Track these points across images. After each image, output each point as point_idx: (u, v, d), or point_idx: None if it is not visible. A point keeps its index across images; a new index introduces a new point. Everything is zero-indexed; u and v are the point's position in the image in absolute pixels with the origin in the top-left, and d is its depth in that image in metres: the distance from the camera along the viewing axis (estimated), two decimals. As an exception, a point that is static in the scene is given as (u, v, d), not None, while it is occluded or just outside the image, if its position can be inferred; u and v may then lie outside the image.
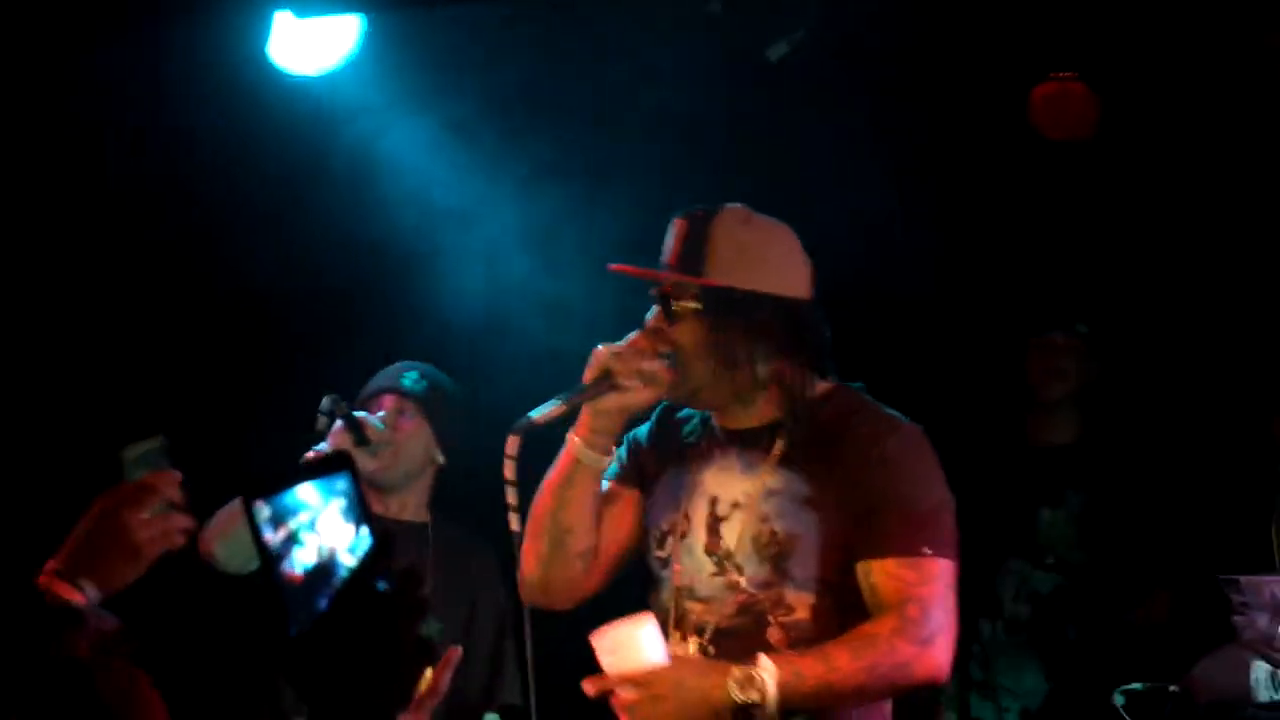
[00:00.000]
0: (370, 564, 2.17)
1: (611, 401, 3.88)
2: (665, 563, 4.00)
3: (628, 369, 3.85)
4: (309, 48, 6.04)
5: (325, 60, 6.08)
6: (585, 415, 3.94)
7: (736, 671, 3.62)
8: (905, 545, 3.75)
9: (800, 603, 3.83)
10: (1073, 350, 6.56)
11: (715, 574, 3.91)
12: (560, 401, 3.86)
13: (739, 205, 4.01)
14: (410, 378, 5.14)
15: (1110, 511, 6.34)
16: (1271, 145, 6.63)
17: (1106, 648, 6.24)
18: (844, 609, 3.81)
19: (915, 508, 3.79)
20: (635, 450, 4.14)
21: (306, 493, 2.16)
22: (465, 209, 6.40)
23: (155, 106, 6.21)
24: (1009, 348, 6.63)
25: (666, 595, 3.98)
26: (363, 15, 6.02)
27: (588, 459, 3.94)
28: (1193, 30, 6.47)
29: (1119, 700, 5.35)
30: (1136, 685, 5.37)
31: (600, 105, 6.71)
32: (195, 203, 6.30)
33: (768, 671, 3.61)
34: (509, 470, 3.80)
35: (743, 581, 3.87)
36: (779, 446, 3.92)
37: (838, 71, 6.70)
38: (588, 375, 3.89)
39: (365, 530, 2.20)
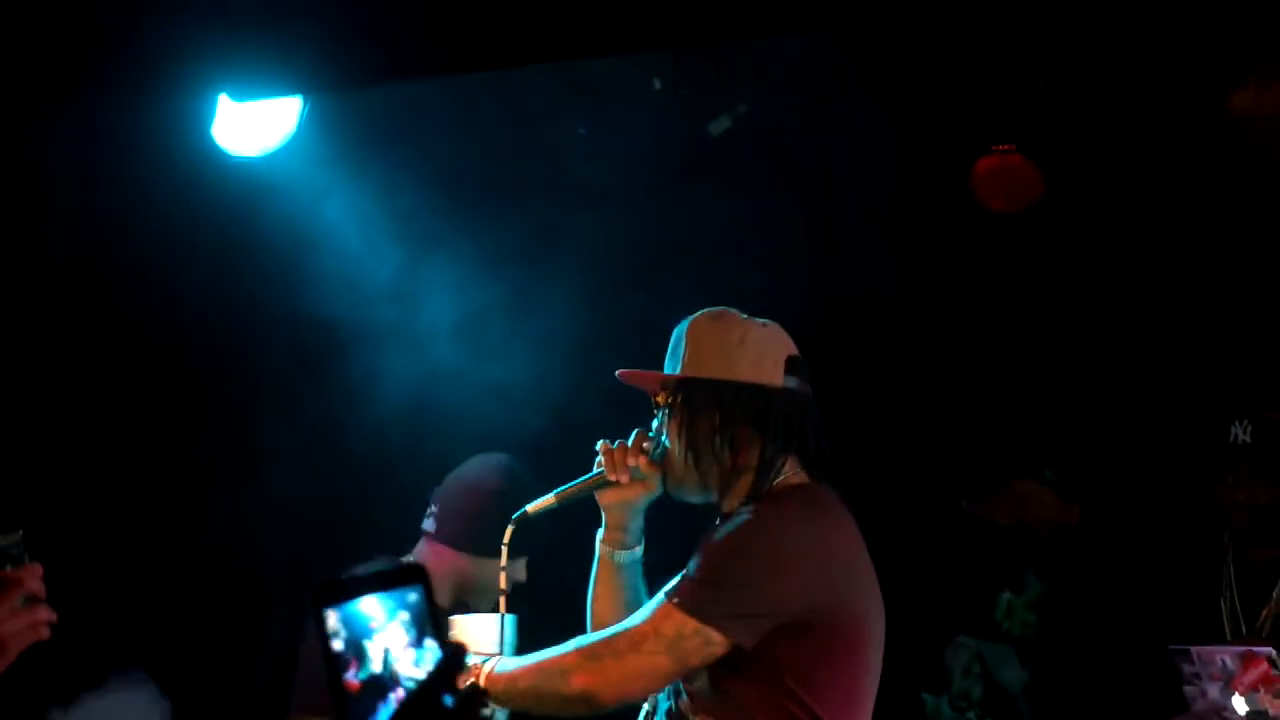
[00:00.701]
0: (437, 679, 2.19)
1: (610, 497, 4.11)
2: None
3: (616, 465, 4.07)
4: (251, 129, 6.06)
5: (267, 141, 6.10)
6: (604, 513, 4.16)
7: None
8: (670, 590, 3.86)
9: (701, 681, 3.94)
10: (1043, 495, 6.55)
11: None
12: (553, 495, 4.12)
13: (719, 307, 4.13)
14: None
15: (1072, 596, 6.36)
16: (1229, 212, 6.68)
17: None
18: (746, 677, 3.87)
19: (698, 571, 3.86)
20: None
21: (374, 604, 2.18)
22: (403, 287, 6.42)
23: (98, 186, 6.22)
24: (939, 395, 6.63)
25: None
26: (302, 97, 6.04)
27: (604, 552, 4.16)
28: (1140, 98, 6.52)
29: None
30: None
31: (541, 181, 6.74)
32: (135, 281, 6.30)
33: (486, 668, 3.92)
34: (503, 557, 4.08)
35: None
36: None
37: (780, 147, 6.73)
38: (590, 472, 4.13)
39: (434, 644, 2.22)
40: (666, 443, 4.05)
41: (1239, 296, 6.80)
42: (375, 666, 2.17)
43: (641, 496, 4.10)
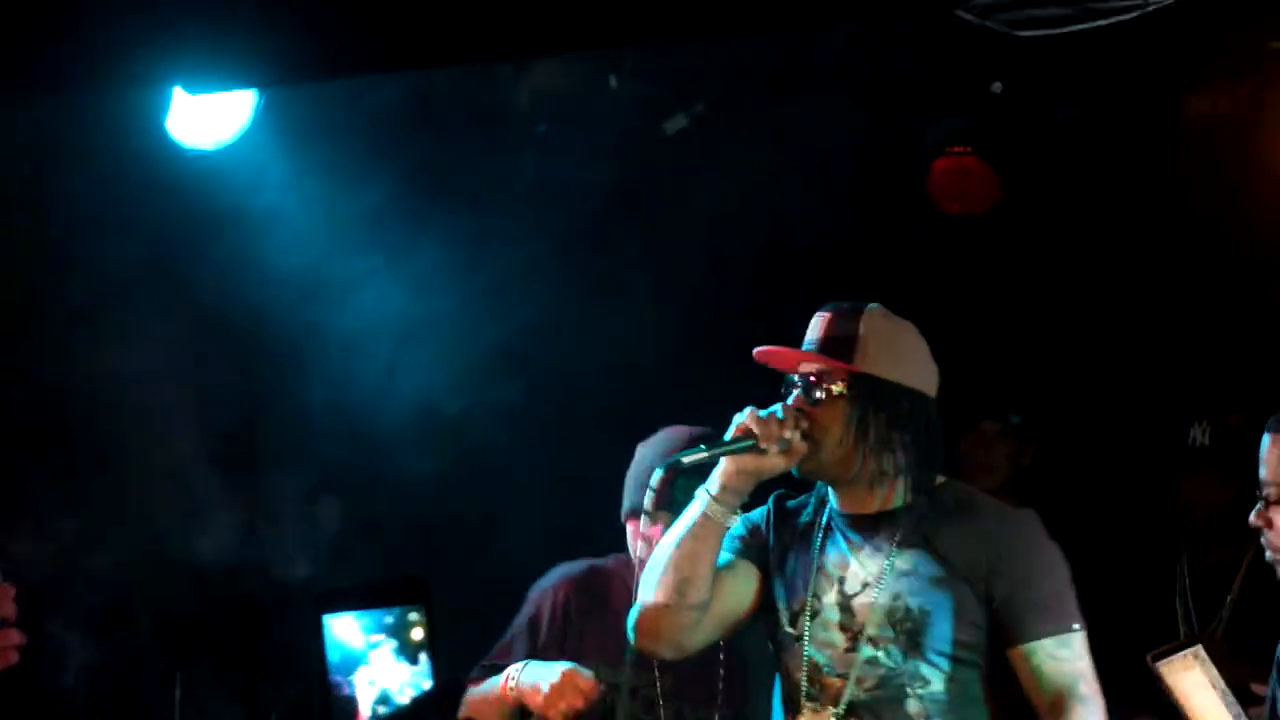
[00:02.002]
0: (424, 704, 2.17)
1: (748, 462, 4.10)
2: (799, 639, 4.17)
3: (770, 434, 4.06)
4: (206, 122, 6.03)
5: (221, 133, 6.07)
6: (720, 474, 4.14)
7: None
8: (1056, 625, 4.03)
9: (935, 675, 4.05)
10: (1003, 438, 6.55)
11: (849, 650, 4.11)
12: (705, 450, 4.12)
13: (879, 305, 4.20)
14: None
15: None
16: (1186, 216, 6.70)
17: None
18: (974, 681, 4.08)
19: (1055, 586, 4.07)
20: (753, 530, 4.31)
21: (371, 619, 2.16)
22: (356, 281, 6.39)
23: (50, 179, 6.17)
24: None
25: (800, 671, 4.16)
26: (256, 90, 6.01)
27: (717, 515, 4.13)
28: (1096, 102, 6.54)
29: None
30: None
31: (497, 178, 6.71)
32: (86, 274, 6.25)
33: None
34: (648, 501, 4.14)
35: (880, 656, 4.07)
36: (904, 530, 4.11)
37: (736, 145, 6.73)
38: (734, 434, 4.10)
39: (428, 668, 2.20)
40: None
41: (1196, 299, 6.82)
42: (366, 683, 2.14)
43: (777, 468, 4.12)
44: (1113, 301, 6.97)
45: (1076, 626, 4.03)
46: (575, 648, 4.86)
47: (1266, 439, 3.70)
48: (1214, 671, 4.96)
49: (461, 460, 6.61)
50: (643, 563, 4.27)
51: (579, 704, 4.57)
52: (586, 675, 4.65)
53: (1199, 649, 4.96)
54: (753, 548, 4.28)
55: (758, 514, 4.32)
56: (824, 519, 4.23)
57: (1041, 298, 7.08)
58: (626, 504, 5.07)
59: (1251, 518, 3.71)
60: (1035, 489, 6.65)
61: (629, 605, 4.41)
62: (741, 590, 4.24)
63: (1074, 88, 6.50)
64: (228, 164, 6.18)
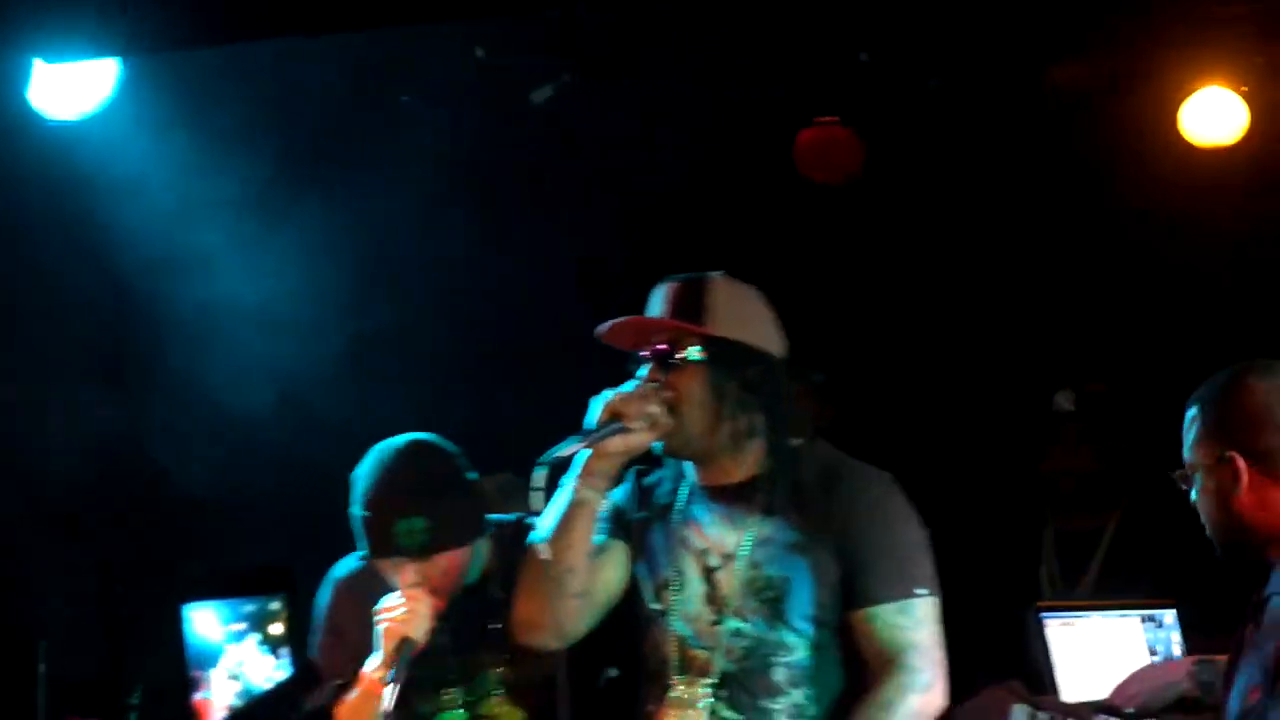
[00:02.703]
0: (284, 694, 2.15)
1: (616, 443, 4.01)
2: (664, 614, 4.12)
3: (635, 412, 3.98)
4: (68, 92, 5.95)
5: (83, 104, 5.98)
6: (587, 459, 4.05)
7: None
8: (899, 590, 3.93)
9: (799, 642, 3.98)
10: (806, 397, 6.56)
11: (715, 622, 4.05)
12: (579, 440, 4.00)
13: (721, 272, 4.12)
14: None
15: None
16: (1050, 185, 6.77)
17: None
18: (839, 646, 3.98)
19: (903, 551, 3.97)
20: (615, 510, 4.23)
21: (235, 608, 2.14)
22: (218, 253, 6.34)
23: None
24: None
25: (667, 645, 4.10)
26: (119, 60, 5.93)
27: (589, 500, 4.05)
28: (962, 72, 6.59)
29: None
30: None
31: (364, 148, 6.68)
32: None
33: None
34: (537, 501, 3.91)
35: (745, 627, 4.01)
36: (764, 497, 4.05)
37: (604, 115, 6.73)
38: (600, 418, 4.00)
39: (289, 659, 2.18)
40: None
41: (1059, 268, 6.90)
42: (225, 672, 2.13)
43: (644, 445, 4.05)
44: (977, 270, 7.04)
45: (920, 592, 3.93)
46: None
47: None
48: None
49: (324, 440, 6.57)
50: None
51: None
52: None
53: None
54: (618, 527, 4.23)
55: (619, 493, 4.25)
56: (684, 492, 4.18)
57: (905, 265, 7.13)
58: None
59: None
60: (904, 455, 6.71)
61: None
62: (615, 571, 4.19)
63: (941, 58, 6.54)
64: (90, 134, 6.10)
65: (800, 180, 6.99)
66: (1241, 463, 3.47)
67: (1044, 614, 5.33)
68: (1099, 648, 5.27)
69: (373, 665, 4.19)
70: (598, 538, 4.16)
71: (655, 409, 3.99)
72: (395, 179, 6.60)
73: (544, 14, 6.30)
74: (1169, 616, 5.20)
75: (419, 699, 4.56)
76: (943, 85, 6.59)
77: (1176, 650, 5.16)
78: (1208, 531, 3.62)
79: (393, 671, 4.09)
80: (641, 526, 4.20)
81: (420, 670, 4.44)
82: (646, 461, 4.19)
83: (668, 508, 4.18)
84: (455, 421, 4.69)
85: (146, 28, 5.59)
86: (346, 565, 4.67)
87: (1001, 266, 7.00)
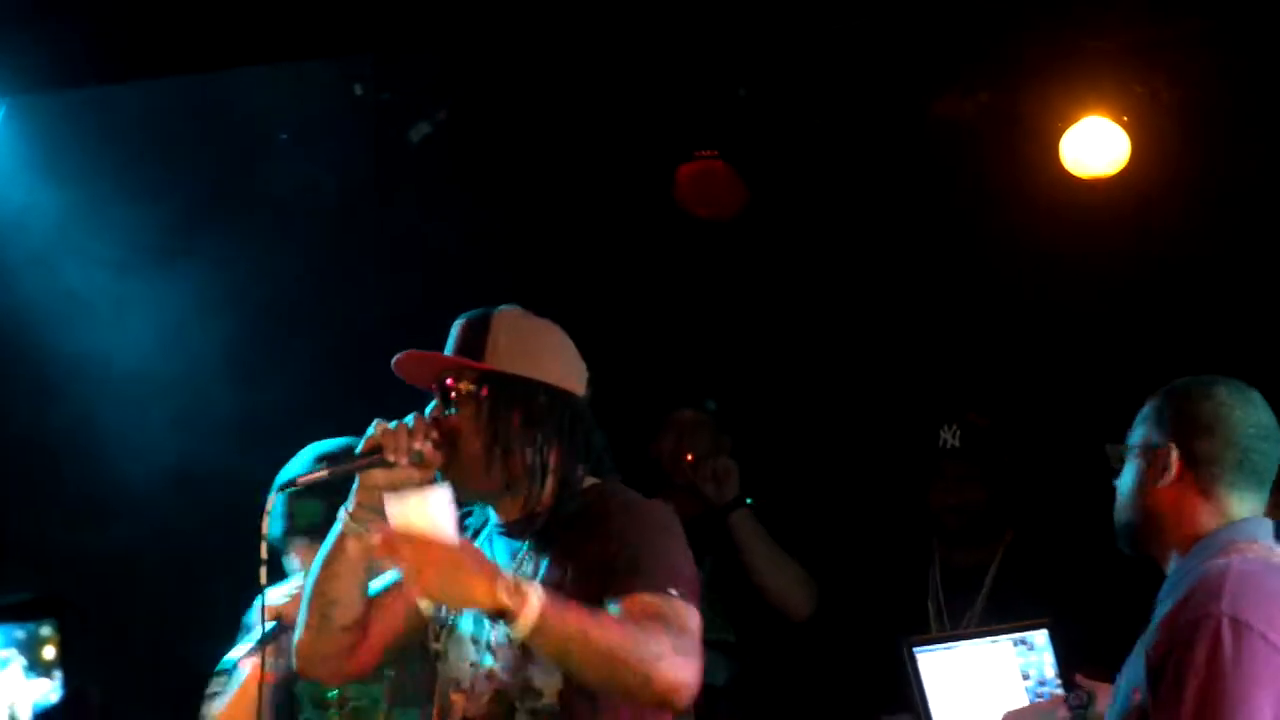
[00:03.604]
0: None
1: (379, 478, 3.89)
2: (439, 655, 4.03)
3: (399, 446, 3.86)
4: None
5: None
6: (355, 491, 3.94)
7: (509, 578, 3.58)
8: (654, 584, 3.73)
9: (548, 687, 3.83)
10: (702, 426, 6.53)
11: (474, 663, 3.94)
12: (324, 467, 3.96)
13: (516, 305, 4.04)
14: None
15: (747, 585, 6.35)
16: (932, 218, 6.78)
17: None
18: (591, 695, 3.79)
19: (664, 563, 3.78)
20: None
21: (4, 633, 2.07)
22: (93, 298, 6.26)
23: None
24: (642, 423, 6.59)
25: (438, 687, 4.02)
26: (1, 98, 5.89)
27: (353, 532, 3.91)
28: (843, 104, 6.59)
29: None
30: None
31: (243, 185, 6.62)
32: None
33: (535, 592, 3.56)
34: (265, 525, 3.84)
35: (497, 669, 3.90)
36: (537, 536, 3.95)
37: (480, 151, 6.70)
38: (362, 447, 3.90)
39: (59, 683, 2.12)
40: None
41: (942, 302, 6.91)
42: None
43: (413, 482, 3.88)
44: (860, 303, 7.04)
45: (674, 593, 3.71)
46: None
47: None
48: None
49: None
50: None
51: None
52: None
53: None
54: None
55: None
56: (486, 530, 4.08)
57: (789, 299, 7.13)
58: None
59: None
60: (792, 488, 6.71)
61: None
62: (397, 608, 4.06)
63: (819, 92, 6.54)
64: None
65: (682, 215, 6.96)
66: (1175, 456, 3.52)
67: (916, 648, 5.33)
68: (973, 676, 5.28)
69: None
70: (393, 574, 4.04)
71: (421, 445, 3.87)
72: (278, 225, 6.54)
73: (419, 52, 6.28)
74: (1040, 638, 5.21)
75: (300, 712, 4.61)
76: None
77: (1049, 672, 5.18)
78: (1116, 514, 3.67)
79: None
80: None
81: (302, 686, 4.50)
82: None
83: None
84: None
85: (18, 68, 5.55)
86: None
87: (884, 300, 7.00)
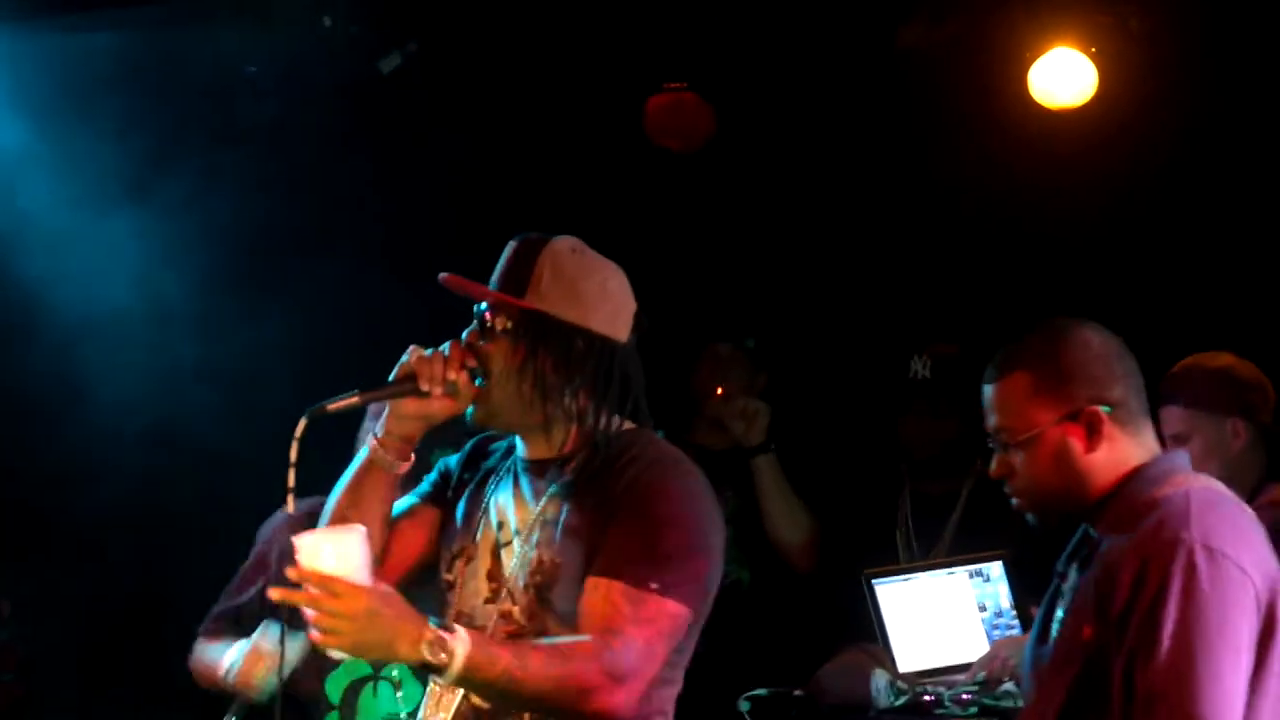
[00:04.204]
0: None
1: (411, 407, 3.84)
2: (450, 585, 3.97)
3: (433, 376, 3.80)
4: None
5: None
6: (385, 419, 3.89)
7: (430, 632, 3.51)
8: (636, 576, 3.67)
9: (562, 631, 3.75)
10: (735, 361, 6.53)
11: (489, 600, 3.88)
12: (356, 394, 3.81)
13: (573, 237, 3.93)
14: None
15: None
16: (900, 146, 6.78)
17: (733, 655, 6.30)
18: None
19: (657, 541, 3.70)
20: (444, 474, 4.10)
21: None
22: (69, 224, 6.25)
23: None
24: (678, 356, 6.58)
25: (449, 616, 3.92)
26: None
27: (380, 462, 3.88)
28: (811, 35, 6.58)
29: (744, 706, 5.41)
30: (761, 691, 5.45)
31: (210, 119, 6.60)
32: None
33: (461, 643, 3.51)
34: (293, 451, 3.71)
35: (515, 611, 3.84)
36: (563, 477, 3.87)
37: (451, 84, 6.68)
38: (396, 375, 3.84)
39: None
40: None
41: (909, 232, 6.92)
42: None
43: (445, 412, 3.85)
44: (830, 234, 7.05)
45: (654, 587, 3.65)
46: None
47: (987, 389, 3.67)
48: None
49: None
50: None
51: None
52: None
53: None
54: (440, 492, 4.08)
55: (455, 456, 4.13)
56: (507, 463, 4.01)
57: (758, 230, 7.13)
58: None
59: (993, 468, 3.67)
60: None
61: None
62: (417, 535, 4.03)
63: (789, 21, 6.53)
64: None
65: (652, 148, 6.96)
66: (1103, 413, 3.48)
67: (875, 579, 5.37)
68: (930, 607, 5.33)
69: None
70: (409, 500, 4.03)
71: (455, 375, 3.82)
72: (247, 161, 6.53)
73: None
74: (995, 569, 5.27)
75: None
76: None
77: (1005, 603, 5.25)
78: (1027, 500, 3.59)
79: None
80: (459, 493, 4.05)
81: None
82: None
83: (487, 476, 4.03)
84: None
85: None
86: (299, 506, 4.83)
87: (852, 231, 7.00)
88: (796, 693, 5.40)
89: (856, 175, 6.93)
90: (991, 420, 3.61)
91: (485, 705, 3.76)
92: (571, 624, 3.72)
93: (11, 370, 6.40)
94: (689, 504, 3.78)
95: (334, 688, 5.02)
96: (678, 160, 6.98)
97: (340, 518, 3.88)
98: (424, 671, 3.62)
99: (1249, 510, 3.49)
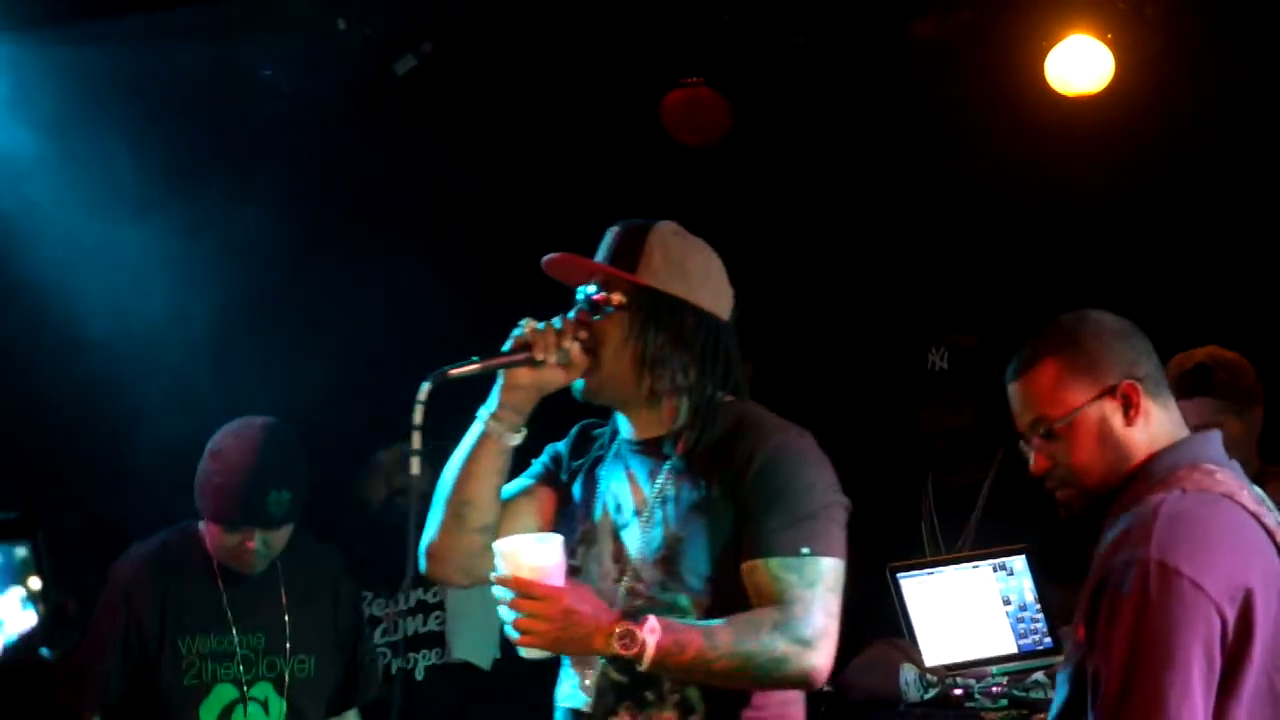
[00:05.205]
0: (35, 635, 2.12)
1: (525, 376, 3.94)
2: (576, 570, 4.01)
3: (548, 345, 3.91)
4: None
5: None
6: (498, 390, 3.99)
7: (620, 627, 3.69)
8: (786, 545, 3.79)
9: (696, 605, 3.88)
10: None
11: (617, 580, 3.98)
12: (477, 361, 3.91)
13: (672, 222, 4.07)
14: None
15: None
16: (919, 139, 6.77)
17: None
18: (736, 608, 3.84)
19: (798, 508, 3.83)
20: (554, 457, 4.19)
21: None
22: (83, 231, 6.25)
23: None
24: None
25: None
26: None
27: (495, 433, 3.98)
28: (826, 27, 6.57)
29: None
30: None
31: (227, 122, 6.60)
32: None
33: (651, 634, 3.69)
34: (418, 415, 3.82)
35: (640, 586, 3.94)
36: (675, 453, 3.98)
37: (466, 84, 6.68)
38: (510, 346, 3.93)
39: (34, 605, 2.15)
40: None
41: (929, 222, 6.91)
42: None
43: (557, 383, 3.97)
44: (847, 227, 7.05)
45: (806, 551, 3.78)
46: (174, 618, 5.09)
47: (1012, 387, 3.65)
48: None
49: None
50: None
51: None
52: None
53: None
54: (551, 474, 4.18)
55: (563, 442, 4.22)
56: (615, 446, 4.11)
57: (779, 226, 7.13)
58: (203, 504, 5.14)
59: (1032, 464, 3.65)
60: (784, 413, 6.70)
61: (207, 570, 5.01)
62: (532, 516, 4.12)
63: (803, 15, 6.52)
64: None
65: (670, 142, 6.97)
66: (1138, 387, 3.47)
67: (899, 574, 5.37)
68: (955, 600, 5.32)
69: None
70: (523, 481, 4.13)
71: (569, 344, 3.92)
72: (259, 165, 6.53)
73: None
74: (1019, 563, 5.26)
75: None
76: (808, 43, 6.56)
77: (1029, 596, 5.24)
78: (1072, 488, 3.56)
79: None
80: (572, 477, 4.15)
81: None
82: (597, 413, 4.13)
83: (598, 459, 4.12)
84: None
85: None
86: (148, 544, 5.16)
87: (869, 222, 7.00)
88: (825, 688, 5.40)
89: (872, 167, 6.93)
90: (1025, 416, 3.59)
91: (623, 679, 3.89)
92: (701, 597, 3.87)
93: (81, 382, 6.37)
94: (814, 465, 3.92)
95: (208, 714, 5.13)
96: (695, 154, 6.97)
97: (453, 489, 4.00)
98: (619, 662, 3.79)
99: (1245, 508, 3.44)
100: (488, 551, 3.94)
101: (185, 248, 6.26)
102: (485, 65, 6.67)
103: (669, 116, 6.92)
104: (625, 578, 3.97)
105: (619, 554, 3.99)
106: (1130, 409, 3.48)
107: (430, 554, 4.08)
